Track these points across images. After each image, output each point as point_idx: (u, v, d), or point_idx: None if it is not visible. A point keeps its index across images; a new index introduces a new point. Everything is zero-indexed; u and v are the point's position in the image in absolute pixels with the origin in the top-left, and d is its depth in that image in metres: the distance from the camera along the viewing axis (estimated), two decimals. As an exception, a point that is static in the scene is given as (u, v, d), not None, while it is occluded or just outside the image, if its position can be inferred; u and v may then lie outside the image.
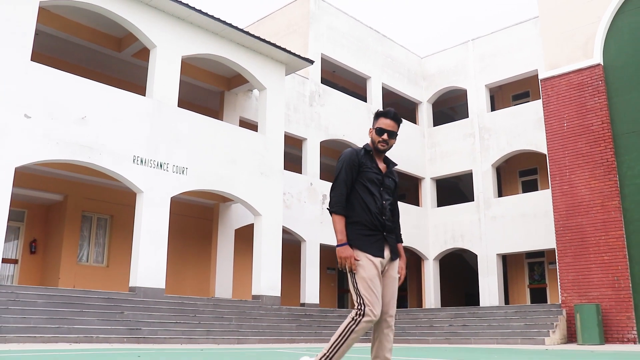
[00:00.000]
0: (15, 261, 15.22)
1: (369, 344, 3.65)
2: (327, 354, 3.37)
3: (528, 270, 20.99)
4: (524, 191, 21.27)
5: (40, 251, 15.70)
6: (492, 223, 20.31)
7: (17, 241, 15.41)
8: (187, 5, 14.26)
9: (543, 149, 18.55)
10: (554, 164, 16.00)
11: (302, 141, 19.28)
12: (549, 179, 16.15)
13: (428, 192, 22.84)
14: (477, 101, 21.88)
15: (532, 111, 19.87)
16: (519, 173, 22.03)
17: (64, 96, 12.42)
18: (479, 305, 20.17)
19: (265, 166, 16.14)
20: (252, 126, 17.48)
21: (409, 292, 25.05)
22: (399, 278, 3.66)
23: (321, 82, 20.50)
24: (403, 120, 21.32)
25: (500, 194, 21.55)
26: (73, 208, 15.58)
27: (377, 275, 3.44)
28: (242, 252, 18.32)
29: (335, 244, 3.59)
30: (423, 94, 23.97)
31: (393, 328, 3.53)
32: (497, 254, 20.01)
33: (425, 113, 23.70)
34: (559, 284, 15.69)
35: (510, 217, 19.84)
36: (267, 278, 15.45)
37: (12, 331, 9.95)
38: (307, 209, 18.43)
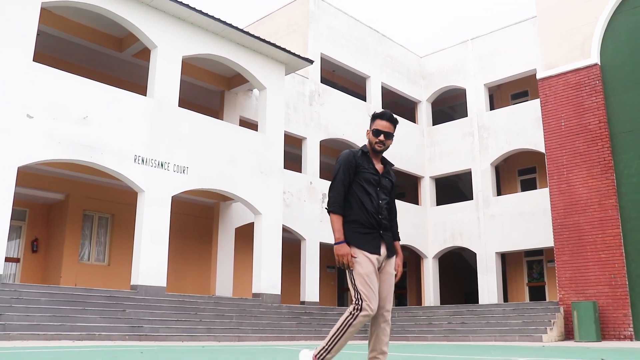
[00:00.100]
0: (17, 260, 15.33)
1: (366, 342, 3.77)
2: (326, 347, 3.50)
3: (527, 269, 21.10)
4: (523, 190, 21.37)
5: (41, 250, 15.81)
6: (491, 222, 20.43)
7: (19, 240, 15.52)
8: (187, 5, 14.37)
9: (542, 148, 18.65)
10: (551, 162, 16.12)
11: (302, 140, 19.39)
12: (547, 177, 16.27)
13: (427, 190, 22.95)
14: (476, 100, 21.99)
15: (531, 110, 19.97)
16: (517, 172, 22.14)
17: (66, 96, 12.54)
18: (478, 303, 20.29)
19: (265, 165, 16.25)
20: (252, 126, 17.59)
21: (408, 291, 25.17)
22: (396, 275, 3.79)
23: (321, 82, 20.61)
24: (401, 120, 21.63)
25: (499, 193, 21.66)
26: (74, 207, 15.69)
27: (374, 271, 3.56)
28: (242, 250, 18.44)
29: (333, 242, 3.72)
30: (422, 93, 24.07)
31: (390, 322, 3.65)
32: (496, 253, 20.12)
33: (424, 112, 23.80)
34: (557, 281, 15.81)
35: (509, 216, 19.96)
36: (267, 276, 15.56)
37: (15, 328, 10.08)
38: (306, 208, 18.55)
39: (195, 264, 17.94)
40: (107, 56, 16.07)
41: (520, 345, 12.55)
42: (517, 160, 21.83)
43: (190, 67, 16.62)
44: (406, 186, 25.22)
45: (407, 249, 21.91)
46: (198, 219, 18.13)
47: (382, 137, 3.75)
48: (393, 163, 4.01)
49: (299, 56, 17.15)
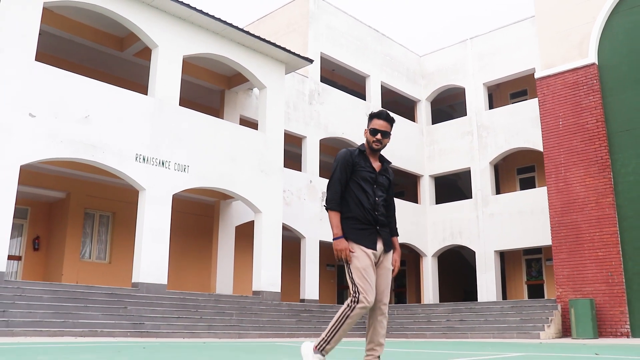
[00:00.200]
0: (18, 258, 15.44)
1: (363, 339, 3.90)
2: (325, 338, 3.65)
3: (525, 267, 21.21)
4: (522, 188, 21.47)
5: (43, 248, 15.92)
6: (490, 220, 20.54)
7: (21, 238, 15.63)
8: (188, 5, 14.47)
9: (540, 147, 18.74)
10: (549, 161, 16.24)
11: (302, 139, 19.50)
12: (545, 176, 16.38)
13: (427, 189, 23.06)
14: (476, 99, 22.09)
15: (530, 109, 20.08)
16: (516, 170, 22.24)
17: (68, 95, 12.64)
18: (477, 301, 20.40)
19: (265, 164, 16.36)
20: (252, 124, 17.70)
21: (407, 289, 25.29)
22: (393, 270, 3.91)
23: (320, 81, 20.71)
24: (401, 119, 21.74)
25: (498, 191, 21.77)
26: (76, 205, 15.80)
27: (371, 265, 3.70)
28: (242, 248, 18.56)
29: (332, 238, 3.85)
30: (422, 92, 24.18)
31: (386, 315, 3.79)
32: (495, 251, 20.24)
33: (423, 111, 23.90)
34: (554, 279, 15.93)
35: (508, 214, 20.07)
36: (267, 274, 15.68)
37: (19, 325, 10.19)
38: (306, 206, 18.66)
39: (196, 262, 18.05)
40: (108, 55, 16.17)
41: (517, 342, 12.67)
42: (516, 159, 21.93)
43: (191, 66, 16.72)
44: (405, 185, 25.33)
45: (406, 247, 22.03)
46: (199, 217, 18.25)
47: (379, 136, 3.88)
48: (391, 161, 4.14)
49: (299, 55, 17.25)
